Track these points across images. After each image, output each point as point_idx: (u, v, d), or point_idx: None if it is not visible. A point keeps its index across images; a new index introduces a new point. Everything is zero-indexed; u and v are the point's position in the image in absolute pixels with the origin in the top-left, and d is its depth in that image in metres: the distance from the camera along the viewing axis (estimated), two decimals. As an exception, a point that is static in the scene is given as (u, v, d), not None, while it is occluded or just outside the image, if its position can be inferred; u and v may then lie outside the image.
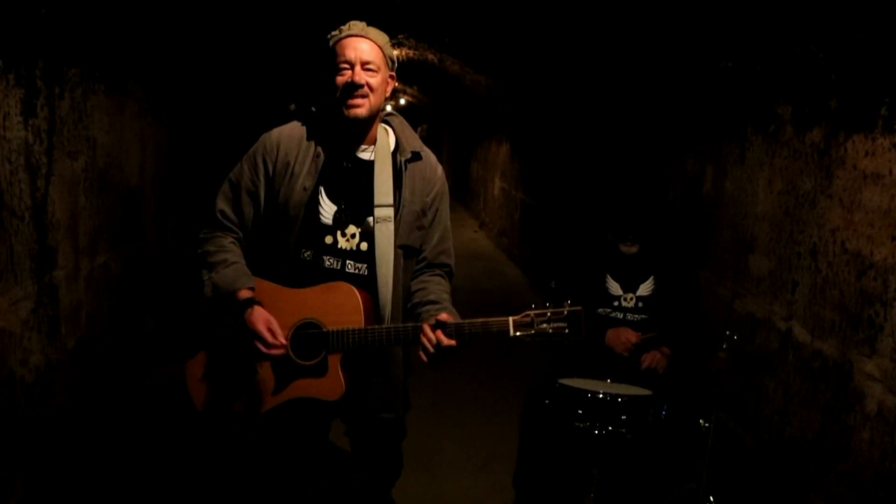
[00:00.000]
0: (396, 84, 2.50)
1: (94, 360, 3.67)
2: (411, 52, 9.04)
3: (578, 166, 6.76)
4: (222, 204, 2.30)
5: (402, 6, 5.52)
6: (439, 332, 2.05)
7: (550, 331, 2.04)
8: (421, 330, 2.07)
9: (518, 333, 2.05)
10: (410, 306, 2.29)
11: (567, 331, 2.04)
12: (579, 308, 2.05)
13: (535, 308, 2.07)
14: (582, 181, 6.58)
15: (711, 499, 2.89)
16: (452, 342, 2.04)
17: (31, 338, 3.03)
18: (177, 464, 3.67)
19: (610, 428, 2.85)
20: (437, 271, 2.37)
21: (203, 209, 2.42)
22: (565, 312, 2.04)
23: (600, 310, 3.27)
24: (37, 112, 3.01)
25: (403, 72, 10.98)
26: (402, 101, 19.27)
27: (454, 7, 5.66)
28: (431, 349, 2.05)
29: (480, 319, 2.08)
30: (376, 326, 2.16)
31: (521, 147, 9.42)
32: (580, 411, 2.88)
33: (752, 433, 3.58)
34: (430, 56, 9.13)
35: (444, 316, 2.08)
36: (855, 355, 2.83)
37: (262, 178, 2.26)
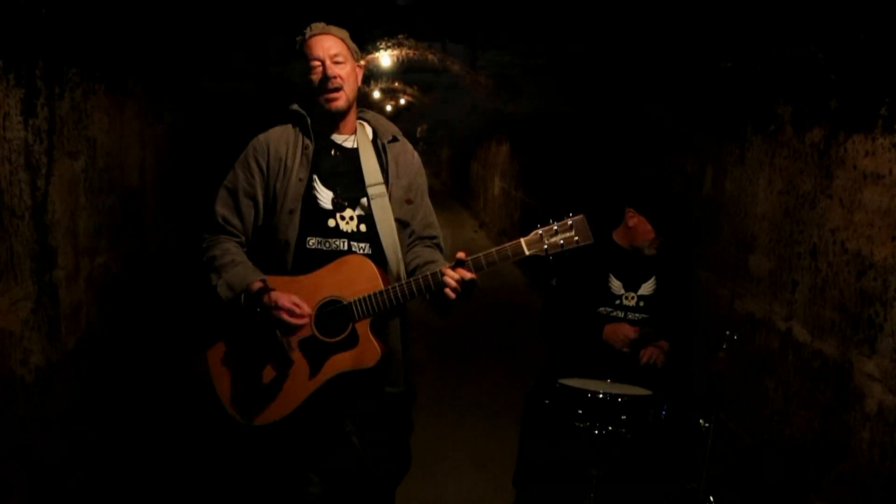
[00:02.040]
0: (395, 84, 2.61)
1: (94, 360, 3.67)
2: (411, 52, 9.03)
3: (578, 166, 6.76)
4: (222, 209, 2.36)
5: (404, 6, 5.53)
6: (460, 269, 2.18)
7: (562, 241, 2.16)
8: (442, 273, 2.18)
9: (532, 251, 2.17)
10: (408, 273, 2.38)
11: (577, 238, 2.16)
12: (581, 215, 2.17)
13: (541, 226, 2.18)
14: (581, 180, 6.58)
15: (711, 499, 2.89)
16: (474, 275, 2.18)
17: (31, 338, 3.03)
18: (177, 463, 3.67)
19: (610, 428, 2.85)
20: (428, 242, 2.49)
21: (203, 209, 2.44)
22: (570, 222, 2.16)
23: (601, 308, 3.27)
24: (37, 112, 3.02)
25: (403, 72, 10.97)
26: (403, 101, 19.27)
27: (454, 8, 5.66)
28: (456, 285, 2.17)
29: (494, 248, 2.20)
30: (397, 284, 2.25)
31: (521, 147, 9.43)
32: (580, 411, 2.88)
33: (752, 433, 3.58)
34: (430, 56, 9.13)
35: (460, 254, 2.20)
36: (855, 355, 2.83)
37: (257, 178, 2.35)
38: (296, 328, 2.21)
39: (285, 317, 2.20)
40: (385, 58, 9.97)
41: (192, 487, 3.50)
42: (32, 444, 3.05)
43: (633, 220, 3.27)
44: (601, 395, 2.87)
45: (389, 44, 8.21)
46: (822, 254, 3.07)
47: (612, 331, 3.21)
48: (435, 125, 20.69)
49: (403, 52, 9.08)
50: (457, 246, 2.63)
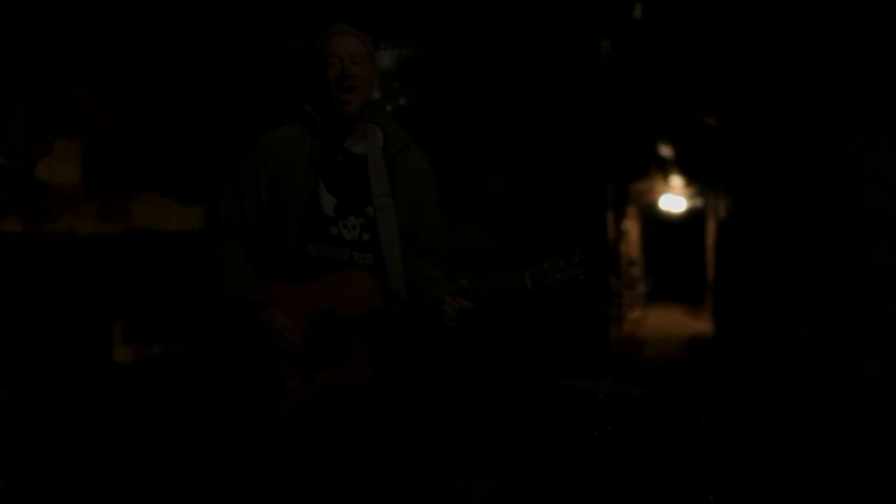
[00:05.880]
0: (395, 84, 2.58)
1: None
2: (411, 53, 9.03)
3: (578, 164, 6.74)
4: (224, 209, 2.33)
5: (404, 7, 5.52)
6: (460, 297, 2.12)
7: (565, 279, 2.12)
8: (441, 299, 2.13)
9: (535, 287, 2.12)
10: (409, 288, 2.33)
11: (581, 276, 2.12)
12: (589, 252, 2.13)
13: (548, 261, 2.13)
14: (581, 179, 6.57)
15: (711, 499, 2.89)
16: (472, 303, 2.12)
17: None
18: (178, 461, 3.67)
19: (610, 428, 2.86)
20: (431, 256, 2.43)
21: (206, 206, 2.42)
22: (577, 259, 2.12)
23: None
24: None
25: (403, 72, 10.98)
26: (402, 102, 19.35)
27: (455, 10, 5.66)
28: (454, 313, 2.11)
29: (495, 279, 2.14)
30: (395, 303, 2.21)
31: (522, 147, 9.40)
32: (580, 411, 2.88)
33: (754, 430, 3.58)
34: (430, 56, 9.13)
35: (463, 281, 2.13)
36: (856, 356, 2.82)
37: (263, 178, 2.30)
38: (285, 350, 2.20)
39: (276, 340, 2.18)
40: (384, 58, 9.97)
41: (190, 487, 3.49)
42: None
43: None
44: (601, 396, 2.87)
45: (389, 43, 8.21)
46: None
47: None
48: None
49: (404, 53, 9.09)
50: (459, 249, 2.58)
